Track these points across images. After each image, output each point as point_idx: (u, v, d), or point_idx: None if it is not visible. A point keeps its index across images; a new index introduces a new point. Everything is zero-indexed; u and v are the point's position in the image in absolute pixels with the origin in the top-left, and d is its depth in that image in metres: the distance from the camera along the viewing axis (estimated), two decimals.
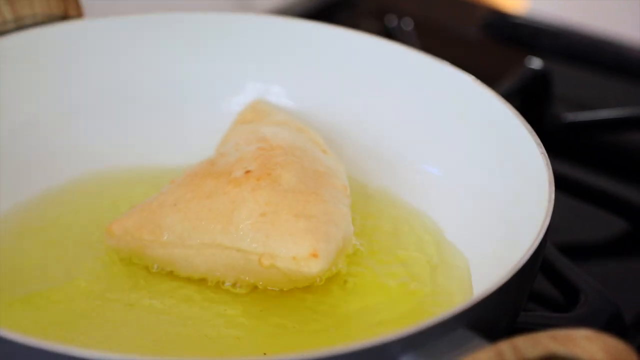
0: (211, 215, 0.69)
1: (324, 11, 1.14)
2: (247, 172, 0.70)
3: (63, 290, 0.69)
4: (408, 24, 1.08)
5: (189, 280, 0.70)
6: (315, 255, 0.66)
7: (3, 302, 0.67)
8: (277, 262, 0.67)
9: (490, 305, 0.57)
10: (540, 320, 0.71)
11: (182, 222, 0.69)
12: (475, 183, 0.76)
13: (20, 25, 0.80)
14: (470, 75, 0.78)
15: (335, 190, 0.71)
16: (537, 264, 0.63)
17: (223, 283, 0.70)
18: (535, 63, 1.01)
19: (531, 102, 0.99)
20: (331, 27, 0.84)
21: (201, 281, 0.70)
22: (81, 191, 0.79)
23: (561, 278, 0.75)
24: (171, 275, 0.70)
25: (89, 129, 0.83)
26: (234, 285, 0.70)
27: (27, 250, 0.73)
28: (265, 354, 0.65)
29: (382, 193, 0.80)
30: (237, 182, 0.69)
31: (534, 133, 0.71)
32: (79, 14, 0.83)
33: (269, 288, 0.69)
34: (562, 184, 0.80)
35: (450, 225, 0.76)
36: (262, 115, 0.81)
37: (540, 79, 1.00)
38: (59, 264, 0.71)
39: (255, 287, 0.69)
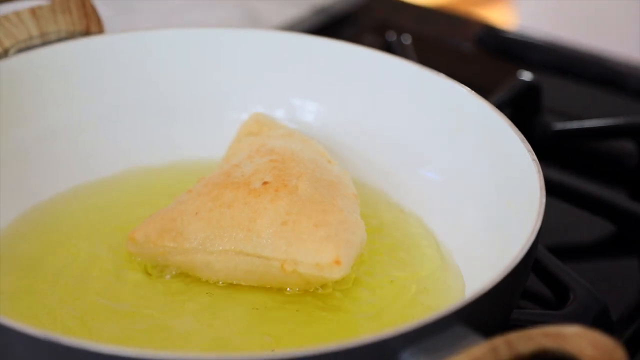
0: (233, 223, 0.68)
1: (328, 27, 1.13)
2: (265, 183, 0.70)
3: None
4: (407, 39, 1.08)
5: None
6: (338, 262, 0.66)
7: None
8: (300, 268, 0.67)
9: (486, 303, 0.57)
10: (533, 317, 0.70)
11: (204, 230, 0.69)
12: (470, 187, 0.75)
13: (46, 41, 0.80)
14: (465, 86, 0.78)
15: (347, 198, 0.71)
16: (530, 263, 0.63)
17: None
18: (526, 75, 1.01)
19: (522, 112, 0.98)
20: (335, 42, 0.84)
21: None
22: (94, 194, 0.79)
23: (552, 277, 0.74)
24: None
25: (106, 137, 0.82)
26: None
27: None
28: (273, 349, 0.64)
29: (383, 200, 0.80)
30: (257, 193, 0.69)
31: (525, 141, 0.71)
32: (100, 30, 0.83)
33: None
34: (552, 189, 0.80)
35: (446, 227, 0.76)
36: (266, 128, 0.80)
37: (531, 90, 1.00)
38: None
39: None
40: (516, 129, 0.72)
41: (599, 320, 0.70)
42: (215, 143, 0.83)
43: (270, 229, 0.68)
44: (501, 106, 0.92)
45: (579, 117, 1.01)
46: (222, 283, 0.69)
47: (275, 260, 0.67)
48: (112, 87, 0.83)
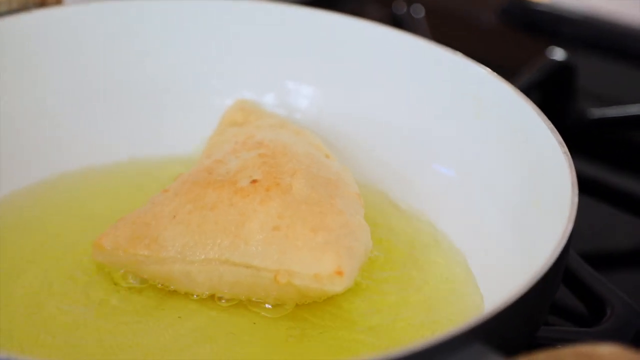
0: (217, 228, 0.69)
1: None
2: (254, 181, 0.71)
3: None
4: (418, 11, 1.09)
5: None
6: (339, 273, 0.66)
7: None
8: (295, 280, 0.67)
9: (508, 318, 0.58)
10: (563, 334, 0.71)
11: (183, 236, 0.69)
12: (490, 184, 0.77)
13: None
14: (486, 67, 0.79)
15: (348, 199, 0.72)
16: (560, 273, 0.64)
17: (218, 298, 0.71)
18: (558, 54, 1.02)
19: (553, 96, 1.00)
20: (333, 15, 0.85)
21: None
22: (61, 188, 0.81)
23: (585, 289, 0.75)
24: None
25: (65, 124, 0.83)
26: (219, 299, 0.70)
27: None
28: None
29: (389, 197, 0.81)
30: (244, 193, 0.70)
31: (555, 131, 0.72)
32: (57, 0, 0.84)
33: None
34: (586, 187, 0.80)
35: (462, 230, 0.77)
36: (252, 117, 0.81)
37: (563, 71, 1.01)
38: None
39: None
40: (545, 117, 0.73)
41: (638, 339, 0.71)
42: (192, 134, 0.84)
43: (261, 234, 0.68)
44: (528, 90, 0.94)
45: (619, 103, 1.01)
46: (204, 296, 0.70)
47: (267, 270, 0.68)
48: (69, 67, 0.84)
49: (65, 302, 0.70)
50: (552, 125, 0.72)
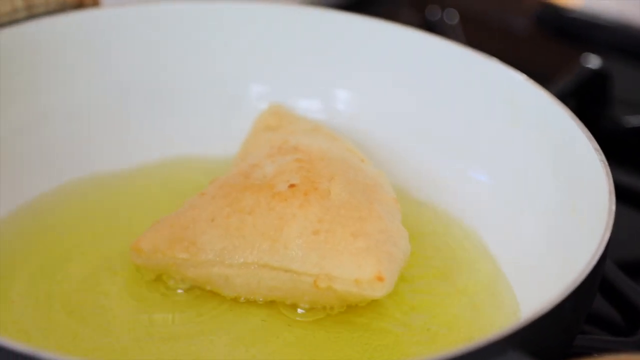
0: (256, 232, 0.69)
1: (359, 2, 1.14)
2: (292, 185, 0.71)
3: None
4: (452, 17, 1.09)
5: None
6: (380, 278, 0.67)
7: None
8: (336, 285, 0.68)
9: (545, 326, 0.58)
10: (599, 344, 0.71)
11: (222, 240, 0.70)
12: (526, 192, 0.76)
13: (32, 14, 0.81)
14: (521, 73, 0.79)
15: (386, 204, 0.72)
16: (596, 281, 0.64)
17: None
18: (593, 61, 1.01)
19: (588, 103, 0.99)
20: (367, 19, 0.85)
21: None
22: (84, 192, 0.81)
23: (621, 298, 0.75)
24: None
25: (100, 125, 0.84)
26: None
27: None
28: None
29: (424, 203, 0.81)
30: (283, 197, 0.70)
31: (592, 138, 0.71)
32: (94, 1, 0.84)
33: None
34: (622, 195, 0.80)
35: (497, 237, 0.77)
36: (286, 122, 0.82)
37: (598, 78, 1.00)
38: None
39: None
40: (581, 123, 0.73)
41: None
42: (224, 137, 0.85)
43: (300, 238, 0.69)
44: (563, 97, 0.93)
45: None
46: (243, 299, 0.71)
47: (306, 275, 0.68)
48: (106, 68, 0.84)
49: (102, 302, 0.70)
50: (589, 133, 0.72)
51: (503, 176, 0.79)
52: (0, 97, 0.79)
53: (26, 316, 0.69)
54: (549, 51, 1.14)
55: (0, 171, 0.78)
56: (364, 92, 0.85)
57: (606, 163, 0.69)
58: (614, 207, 0.65)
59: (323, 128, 0.81)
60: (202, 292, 0.71)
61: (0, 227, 0.76)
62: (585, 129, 0.72)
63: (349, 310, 0.70)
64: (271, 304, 0.70)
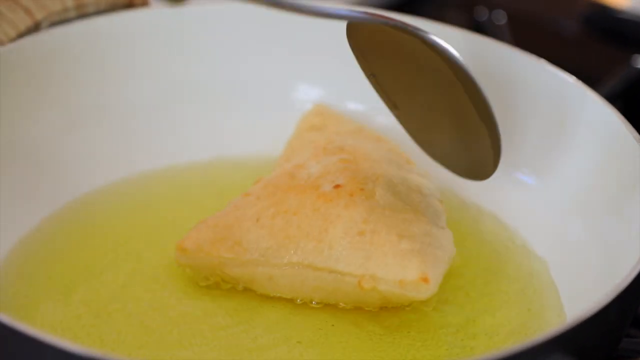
0: (300, 233, 0.70)
1: (407, 2, 1.14)
2: (337, 186, 0.71)
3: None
4: (500, 17, 1.09)
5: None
6: (425, 280, 0.67)
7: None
8: (380, 286, 0.68)
9: (590, 329, 0.58)
10: None
11: (267, 240, 0.70)
12: (574, 194, 0.76)
13: (83, 13, 0.82)
14: (570, 74, 0.78)
15: (431, 206, 0.72)
16: None
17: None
18: None
19: (636, 106, 0.98)
20: (415, 20, 0.84)
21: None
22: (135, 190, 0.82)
23: None
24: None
25: (146, 128, 0.85)
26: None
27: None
28: None
29: (469, 204, 0.81)
30: (328, 198, 0.70)
31: None
32: (144, 1, 0.85)
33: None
34: None
35: (543, 238, 0.77)
36: (330, 122, 0.82)
37: None
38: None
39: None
40: (630, 125, 0.73)
41: None
42: (270, 137, 0.85)
43: (345, 239, 0.69)
44: (612, 98, 0.92)
45: None
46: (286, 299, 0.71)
47: (351, 275, 0.68)
48: (154, 67, 0.85)
49: (147, 301, 0.71)
50: (637, 135, 0.72)
51: (550, 178, 0.78)
52: (50, 96, 0.80)
53: (74, 316, 0.69)
54: (597, 52, 1.13)
55: (48, 169, 0.79)
56: None
57: None
58: None
59: (367, 128, 0.81)
60: (247, 293, 0.72)
61: (46, 224, 0.77)
62: (634, 131, 0.72)
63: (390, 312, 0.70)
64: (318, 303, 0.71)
